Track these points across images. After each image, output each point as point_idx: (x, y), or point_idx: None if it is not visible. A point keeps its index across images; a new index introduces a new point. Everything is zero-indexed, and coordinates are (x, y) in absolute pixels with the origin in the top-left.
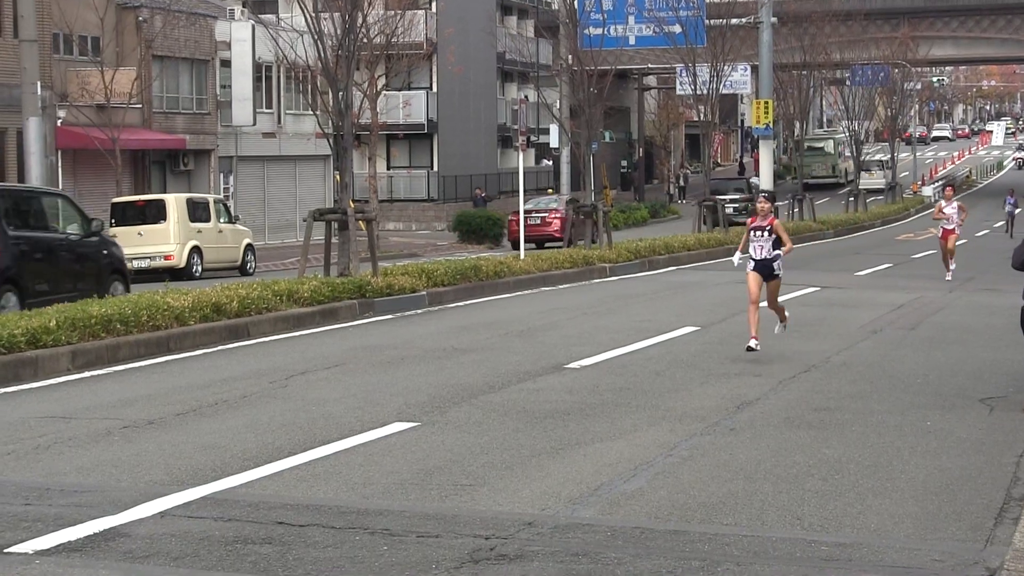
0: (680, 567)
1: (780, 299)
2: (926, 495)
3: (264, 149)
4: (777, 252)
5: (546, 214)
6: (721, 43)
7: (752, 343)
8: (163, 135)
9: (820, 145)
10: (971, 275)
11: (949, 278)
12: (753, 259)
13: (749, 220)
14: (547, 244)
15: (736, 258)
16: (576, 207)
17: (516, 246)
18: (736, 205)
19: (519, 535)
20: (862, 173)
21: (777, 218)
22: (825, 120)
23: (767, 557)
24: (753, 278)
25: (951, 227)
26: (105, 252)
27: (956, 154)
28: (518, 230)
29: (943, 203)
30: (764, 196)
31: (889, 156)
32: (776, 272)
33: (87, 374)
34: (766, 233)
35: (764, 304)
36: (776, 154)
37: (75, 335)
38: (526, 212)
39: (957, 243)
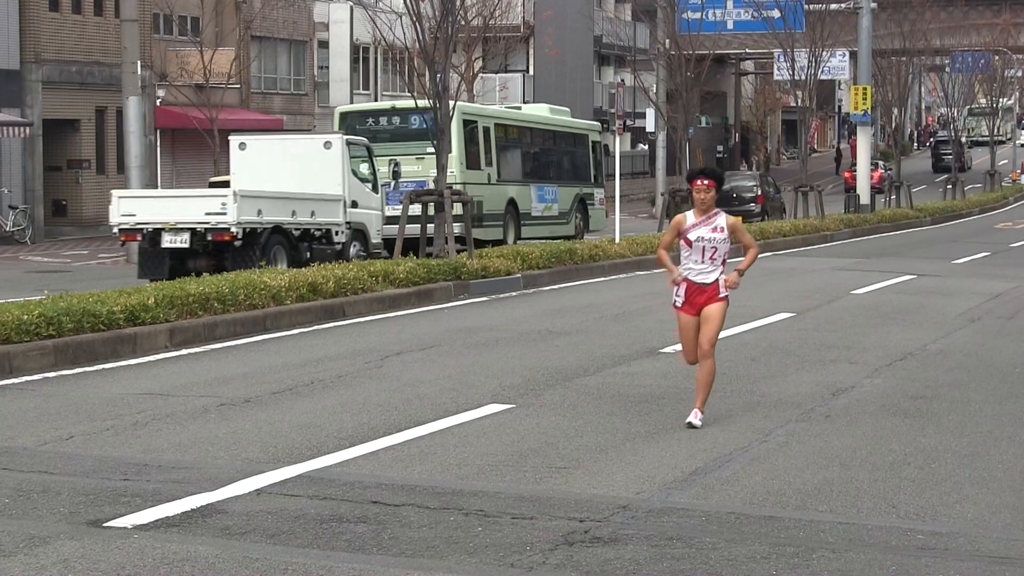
0: (774, 553)
1: (872, 288)
2: None
3: None
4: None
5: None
6: (820, 28)
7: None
8: (261, 115)
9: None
10: None
11: (694, 420)
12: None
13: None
14: None
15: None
16: (672, 192)
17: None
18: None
19: (613, 518)
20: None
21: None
22: (923, 107)
23: (862, 545)
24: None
25: (708, 280)
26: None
27: None
28: (855, 183)
29: (689, 219)
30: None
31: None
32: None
33: (184, 352)
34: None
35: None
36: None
37: (173, 313)
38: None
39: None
